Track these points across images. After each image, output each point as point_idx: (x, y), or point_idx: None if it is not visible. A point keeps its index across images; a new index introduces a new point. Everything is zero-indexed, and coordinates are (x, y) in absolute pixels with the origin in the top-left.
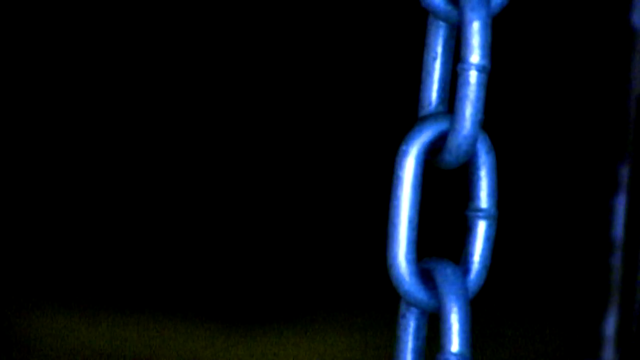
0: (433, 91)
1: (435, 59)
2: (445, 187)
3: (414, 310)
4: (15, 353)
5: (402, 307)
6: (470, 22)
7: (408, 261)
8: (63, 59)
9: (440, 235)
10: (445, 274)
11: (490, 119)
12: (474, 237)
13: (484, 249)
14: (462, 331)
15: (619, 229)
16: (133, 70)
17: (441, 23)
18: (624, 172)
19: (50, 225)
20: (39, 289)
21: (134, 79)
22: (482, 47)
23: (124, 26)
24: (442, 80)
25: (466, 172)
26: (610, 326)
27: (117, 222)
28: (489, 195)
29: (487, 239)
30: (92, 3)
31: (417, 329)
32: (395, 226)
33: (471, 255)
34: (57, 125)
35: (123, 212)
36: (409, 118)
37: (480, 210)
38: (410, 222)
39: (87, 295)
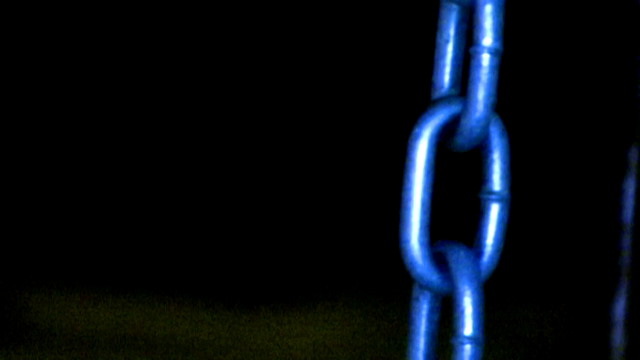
0: (445, 74)
1: (447, 42)
2: (458, 170)
3: (426, 293)
4: (12, 333)
5: (415, 290)
6: (483, 5)
7: (421, 244)
8: (63, 59)
9: (454, 218)
10: (458, 257)
11: (502, 104)
12: (487, 219)
13: (497, 232)
14: (475, 314)
15: (628, 212)
16: (133, 70)
17: (453, 6)
18: (633, 156)
19: (49, 208)
20: (39, 270)
21: (134, 79)
22: (495, 30)
23: (124, 26)
24: (455, 63)
25: (479, 155)
26: (619, 309)
27: (118, 203)
28: (502, 178)
29: (500, 221)
30: (92, 3)
31: (430, 312)
32: (407, 209)
33: (484, 238)
34: (53, 118)
35: (123, 193)
36: (422, 101)
37: (493, 192)
38: (422, 205)
39: (88, 277)
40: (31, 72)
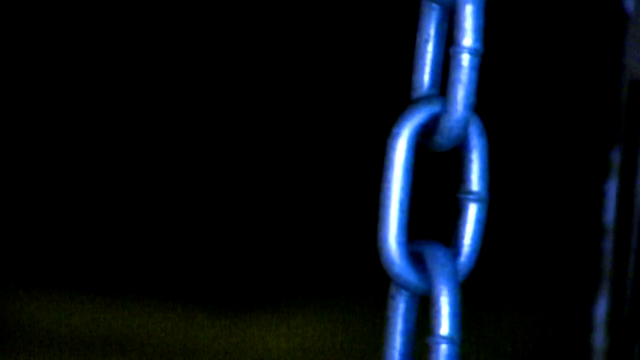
0: (425, 74)
1: (427, 41)
2: (437, 170)
3: (403, 292)
4: (2, 336)
5: (392, 289)
6: (464, 5)
7: (398, 243)
8: (63, 58)
9: (432, 218)
10: (436, 256)
11: (483, 105)
12: (465, 219)
13: (474, 232)
14: (452, 314)
15: (610, 214)
16: (133, 70)
17: (434, 5)
18: (616, 157)
19: (41, 210)
20: (28, 274)
21: (134, 79)
22: (475, 30)
23: (124, 26)
24: (435, 63)
25: (458, 155)
26: (601, 311)
27: (108, 208)
28: (480, 178)
29: (478, 221)
30: (92, 3)
31: (407, 311)
32: (386, 208)
33: (462, 238)
34: (52, 119)
35: (114, 197)
36: (401, 101)
37: (472, 192)
38: (401, 204)
39: (80, 281)
40: (31, 73)
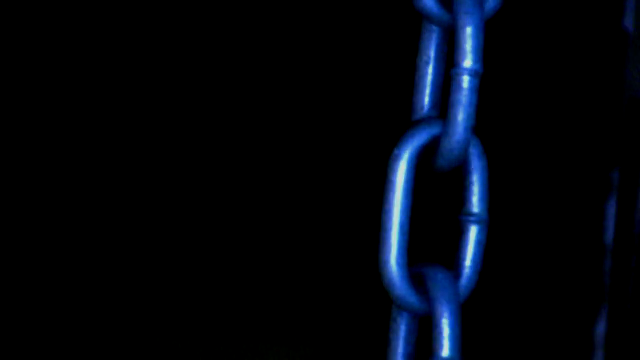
0: (425, 95)
1: (428, 63)
2: (438, 191)
3: (404, 314)
4: None
5: (394, 311)
6: (464, 27)
7: (399, 265)
8: (63, 58)
9: (434, 239)
10: (437, 278)
11: (483, 122)
12: (466, 241)
13: (474, 253)
14: (453, 336)
15: (610, 233)
16: (133, 70)
17: (434, 27)
18: (616, 177)
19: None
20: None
21: (134, 79)
22: (475, 51)
23: (124, 26)
24: (435, 84)
25: (458, 176)
26: (600, 330)
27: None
28: (480, 199)
29: (478, 243)
30: (92, 3)
31: (408, 333)
32: (386, 231)
33: (462, 259)
34: (46, 121)
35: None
36: (402, 122)
37: (472, 214)
38: (401, 226)
39: (71, 298)
40: (31, 73)
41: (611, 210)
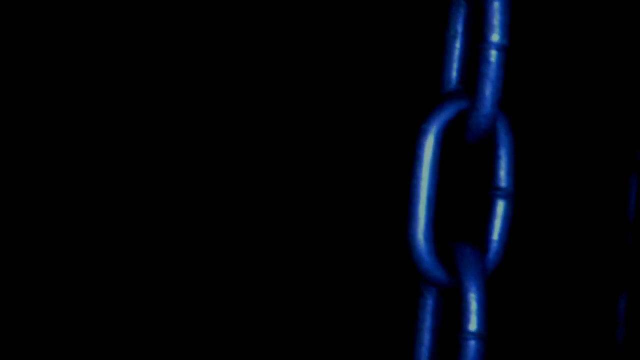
0: (453, 70)
1: (455, 37)
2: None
3: (432, 289)
4: None
5: (421, 285)
6: (492, 2)
7: (427, 240)
8: (63, 58)
9: (462, 214)
10: (464, 253)
11: (512, 99)
12: (493, 215)
13: (502, 228)
14: (480, 311)
15: (632, 208)
16: (133, 70)
17: (462, 2)
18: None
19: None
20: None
21: (134, 79)
22: (502, 26)
23: (124, 26)
24: (462, 59)
25: (486, 151)
26: (622, 307)
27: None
28: (507, 174)
29: (505, 218)
30: (92, 3)
31: (435, 308)
32: (414, 205)
33: (490, 234)
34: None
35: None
36: (429, 97)
37: (499, 189)
38: (429, 201)
39: (71, 298)
40: (31, 73)
41: (634, 185)
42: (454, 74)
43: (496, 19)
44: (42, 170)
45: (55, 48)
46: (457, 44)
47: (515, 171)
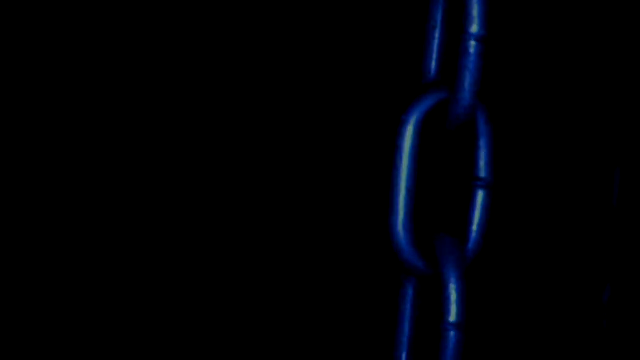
0: (433, 60)
1: (435, 28)
2: (446, 156)
3: (412, 279)
4: None
5: (402, 276)
6: None
7: (406, 230)
8: (63, 58)
9: (443, 204)
10: (444, 244)
11: (493, 89)
12: (473, 206)
13: (481, 218)
14: (459, 301)
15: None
16: (133, 70)
17: None
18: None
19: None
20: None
21: (134, 79)
22: (482, 17)
23: (124, 26)
24: (442, 49)
25: (466, 141)
26: (608, 294)
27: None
28: (487, 164)
29: (484, 207)
30: (92, 3)
31: (416, 298)
32: (395, 195)
33: (470, 224)
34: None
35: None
36: (408, 88)
37: (479, 179)
38: (409, 191)
39: (71, 298)
40: (31, 72)
41: (617, 177)
42: (433, 64)
43: (475, 10)
44: (42, 170)
45: (55, 48)
46: (437, 35)
47: (495, 162)
